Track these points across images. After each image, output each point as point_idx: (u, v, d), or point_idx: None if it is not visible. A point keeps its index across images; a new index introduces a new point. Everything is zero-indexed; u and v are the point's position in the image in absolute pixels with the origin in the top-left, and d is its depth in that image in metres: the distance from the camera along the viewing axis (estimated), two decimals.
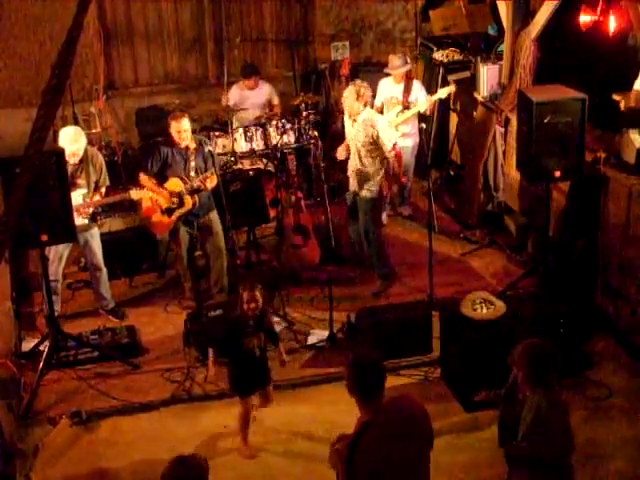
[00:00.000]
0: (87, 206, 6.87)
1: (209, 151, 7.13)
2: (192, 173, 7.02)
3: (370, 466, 3.70)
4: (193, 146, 7.01)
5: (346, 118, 7.48)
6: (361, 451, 3.68)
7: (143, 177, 7.06)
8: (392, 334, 6.55)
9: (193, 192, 7.02)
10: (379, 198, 7.45)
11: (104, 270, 7.17)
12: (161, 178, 7.07)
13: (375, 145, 7.18)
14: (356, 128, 7.23)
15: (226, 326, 5.82)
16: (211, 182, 7.05)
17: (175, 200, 7.03)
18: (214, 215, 7.28)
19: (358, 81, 7.34)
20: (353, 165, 7.39)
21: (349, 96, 7.15)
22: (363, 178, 7.30)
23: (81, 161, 6.84)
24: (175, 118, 6.99)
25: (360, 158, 7.28)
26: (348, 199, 7.65)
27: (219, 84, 9.93)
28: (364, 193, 7.33)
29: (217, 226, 7.29)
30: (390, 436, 3.77)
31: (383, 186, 7.38)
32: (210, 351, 5.75)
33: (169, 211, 7.08)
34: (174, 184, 7.03)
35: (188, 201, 7.03)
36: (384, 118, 7.61)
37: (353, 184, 7.46)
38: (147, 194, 6.99)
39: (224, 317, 6.37)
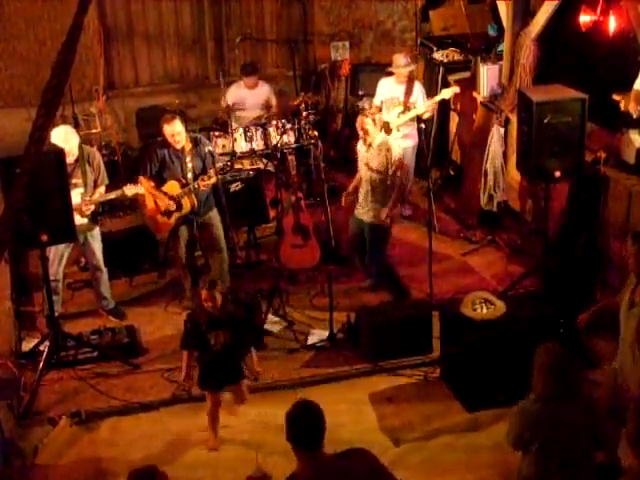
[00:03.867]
0: (84, 205, 6.85)
1: (209, 151, 7.13)
2: (189, 174, 7.01)
3: None
4: (189, 147, 7.01)
5: (360, 145, 7.32)
6: None
7: (142, 180, 7.05)
8: (392, 334, 6.55)
9: (192, 193, 7.00)
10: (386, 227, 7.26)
11: (104, 270, 7.17)
12: (159, 180, 7.07)
13: (386, 173, 7.04)
14: (371, 153, 7.12)
15: (186, 321, 5.91)
16: (208, 182, 7.00)
17: (174, 202, 7.03)
18: (214, 214, 7.28)
19: (368, 110, 7.25)
20: (364, 192, 7.21)
21: (369, 123, 7.03)
22: (373, 205, 7.15)
23: (77, 160, 6.84)
24: (167, 121, 6.97)
25: (372, 185, 7.13)
26: (351, 226, 7.43)
27: (219, 84, 9.94)
28: (371, 219, 7.18)
29: (217, 225, 7.28)
30: None
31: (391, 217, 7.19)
32: (184, 354, 5.75)
33: (168, 213, 7.08)
34: (172, 186, 7.02)
35: (187, 203, 7.02)
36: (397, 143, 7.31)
37: (360, 212, 7.28)
38: (141, 190, 6.98)
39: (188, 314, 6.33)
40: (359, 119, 7.20)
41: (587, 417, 4.33)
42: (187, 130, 7.30)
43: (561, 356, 4.32)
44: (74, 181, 6.80)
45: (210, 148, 7.21)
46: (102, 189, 7.03)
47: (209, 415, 5.76)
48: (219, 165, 7.06)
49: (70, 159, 6.75)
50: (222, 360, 5.65)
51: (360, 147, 7.35)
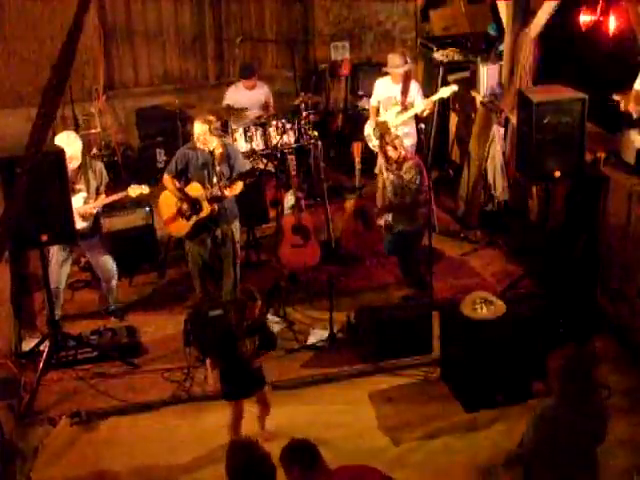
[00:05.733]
0: (88, 208, 6.81)
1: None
2: (214, 179, 6.85)
3: None
4: (219, 151, 6.87)
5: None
6: None
7: (166, 178, 7.00)
8: (392, 334, 6.55)
9: (213, 199, 6.87)
10: (420, 228, 7.28)
11: (114, 278, 7.12)
12: (183, 181, 6.98)
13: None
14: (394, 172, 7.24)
15: (221, 331, 5.76)
16: (232, 190, 6.90)
17: (193, 205, 6.92)
18: (235, 226, 7.14)
19: (388, 137, 7.24)
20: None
21: (391, 150, 7.16)
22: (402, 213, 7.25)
23: (80, 167, 6.82)
24: (196, 119, 6.96)
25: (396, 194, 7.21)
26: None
27: (219, 84, 9.95)
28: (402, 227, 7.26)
29: (236, 236, 7.16)
30: None
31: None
32: (207, 362, 5.66)
33: (186, 215, 6.99)
34: (194, 189, 6.90)
35: (206, 207, 6.88)
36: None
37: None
38: (145, 190, 6.93)
39: (217, 322, 6.28)
40: (385, 148, 7.22)
41: (595, 420, 4.31)
42: (220, 134, 7.19)
43: (588, 361, 4.27)
44: (78, 186, 6.78)
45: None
46: (104, 196, 6.95)
47: (232, 427, 5.58)
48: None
49: (74, 164, 6.74)
50: (250, 367, 5.50)
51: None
